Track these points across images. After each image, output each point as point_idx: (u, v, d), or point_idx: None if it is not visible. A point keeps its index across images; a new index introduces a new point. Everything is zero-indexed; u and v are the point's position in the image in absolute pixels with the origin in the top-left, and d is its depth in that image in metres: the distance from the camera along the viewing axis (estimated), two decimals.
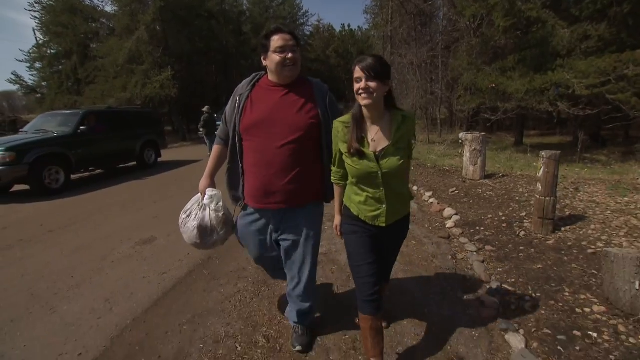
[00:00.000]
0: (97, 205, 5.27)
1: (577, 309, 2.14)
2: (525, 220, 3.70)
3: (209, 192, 1.81)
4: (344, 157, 1.53)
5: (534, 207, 3.48)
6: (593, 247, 2.95)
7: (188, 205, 1.85)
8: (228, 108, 1.75)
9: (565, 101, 8.18)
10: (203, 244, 1.83)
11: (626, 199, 4.11)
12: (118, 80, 16.94)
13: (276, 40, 1.58)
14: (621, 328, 1.92)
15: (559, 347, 1.83)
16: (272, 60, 1.59)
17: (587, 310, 2.13)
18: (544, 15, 8.07)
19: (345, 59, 37.14)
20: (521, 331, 1.98)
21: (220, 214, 1.79)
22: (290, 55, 1.58)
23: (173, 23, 17.44)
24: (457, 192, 5.11)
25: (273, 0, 27.06)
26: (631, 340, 1.82)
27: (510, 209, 4.16)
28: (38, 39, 23.20)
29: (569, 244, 3.08)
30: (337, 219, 1.73)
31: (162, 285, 2.71)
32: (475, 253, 3.06)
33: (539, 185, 3.35)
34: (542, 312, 2.16)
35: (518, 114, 10.76)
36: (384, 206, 1.51)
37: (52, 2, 20.86)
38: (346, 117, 1.53)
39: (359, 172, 1.47)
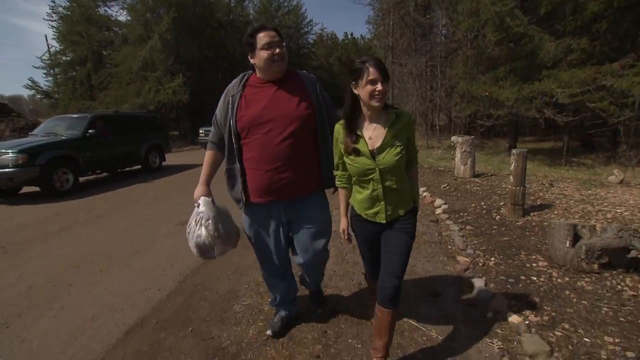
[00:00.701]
0: (128, 198, 5.99)
1: (527, 264, 2.84)
2: (502, 208, 4.40)
3: (201, 201, 1.71)
4: (344, 157, 1.59)
5: (507, 195, 4.20)
6: None
7: (189, 220, 1.74)
8: (219, 111, 1.75)
9: (551, 108, 8.90)
10: (207, 257, 1.76)
11: (589, 191, 4.81)
12: (131, 86, 17.80)
13: (262, 38, 1.59)
14: (554, 274, 2.62)
15: (507, 286, 2.53)
16: (260, 57, 1.60)
17: (534, 265, 2.82)
18: (531, 30, 8.83)
19: (347, 67, 38.08)
20: (483, 278, 2.68)
21: (211, 231, 1.67)
22: (277, 50, 1.60)
23: (185, 32, 18.37)
24: (448, 187, 5.82)
25: (278, 10, 28.10)
26: (559, 280, 2.52)
27: (492, 200, 4.86)
28: (51, 46, 24.17)
29: (533, 224, 3.78)
30: (344, 222, 1.76)
31: None
32: (457, 231, 3.76)
33: (511, 177, 4.06)
34: (502, 267, 2.86)
35: (510, 120, 11.49)
36: (382, 203, 1.56)
37: (68, 12, 21.82)
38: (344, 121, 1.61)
39: (357, 170, 1.54)
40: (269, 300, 2.22)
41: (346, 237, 1.77)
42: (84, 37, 22.24)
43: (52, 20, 22.40)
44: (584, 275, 2.54)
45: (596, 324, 1.97)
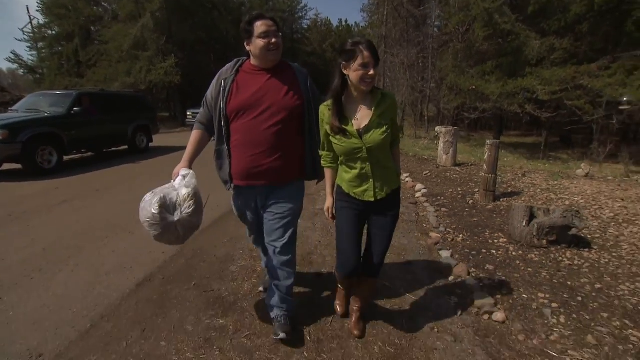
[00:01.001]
0: (121, 176, 6.16)
1: (489, 240, 3.24)
2: (476, 194, 4.81)
3: (183, 172, 1.70)
4: (330, 137, 1.62)
5: (480, 182, 4.60)
6: None
7: (154, 189, 1.63)
8: (210, 92, 1.77)
9: (532, 104, 9.36)
10: (161, 221, 1.54)
11: (556, 182, 5.26)
12: (122, 65, 17.58)
13: (259, 26, 1.62)
14: (511, 248, 3.02)
15: (470, 257, 2.92)
16: (256, 45, 1.63)
17: (496, 241, 3.22)
18: (517, 28, 9.19)
19: (339, 47, 38.13)
20: (450, 250, 3.06)
21: (190, 189, 1.62)
22: (274, 40, 1.63)
23: (177, 12, 18.12)
24: (429, 174, 6.21)
25: None
26: (513, 253, 2.93)
27: (468, 186, 5.27)
28: (33, 17, 23.46)
29: (501, 208, 4.19)
30: (329, 201, 1.81)
31: (203, 223, 3.73)
32: (432, 212, 4.15)
33: (485, 166, 4.45)
34: (467, 242, 3.25)
35: (495, 115, 11.97)
36: (370, 181, 1.61)
37: None
38: (330, 101, 1.61)
39: (345, 150, 1.57)
40: (262, 262, 2.53)
41: (330, 216, 1.82)
42: (71, 11, 21.64)
43: None
44: (535, 250, 2.95)
45: (534, 285, 2.38)
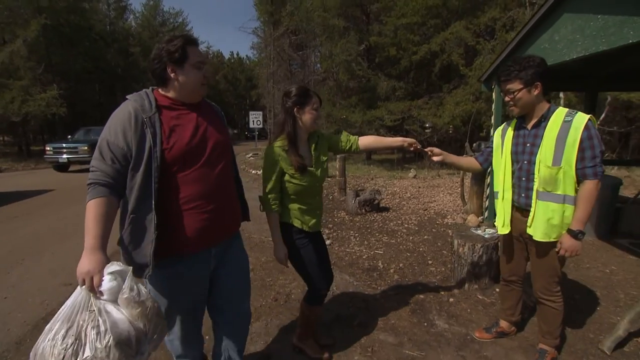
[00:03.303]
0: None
1: (335, 214, 5.19)
2: (335, 192, 6.89)
3: (111, 268, 1.07)
4: (288, 177, 1.61)
5: (336, 183, 6.70)
6: None
7: (65, 325, 0.99)
8: (123, 138, 1.20)
9: (384, 129, 12.48)
10: None
11: (390, 181, 7.78)
12: None
13: (197, 54, 1.31)
14: (346, 217, 5.00)
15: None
16: (189, 75, 1.29)
17: (339, 215, 5.18)
18: (369, 73, 12.31)
19: (234, 85, 39.86)
20: None
21: (148, 303, 1.11)
22: (207, 74, 1.36)
23: (57, 40, 17.27)
24: None
25: (163, 25, 28.03)
26: (346, 219, 4.90)
27: (332, 189, 7.35)
28: None
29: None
30: (284, 248, 1.66)
31: None
32: None
33: (337, 172, 6.57)
34: (322, 218, 5.13)
35: None
36: (318, 212, 1.76)
37: None
38: (281, 142, 1.61)
39: (304, 187, 1.63)
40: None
41: (288, 263, 1.71)
42: None
43: None
44: (358, 216, 4.99)
45: (350, 229, 4.33)
